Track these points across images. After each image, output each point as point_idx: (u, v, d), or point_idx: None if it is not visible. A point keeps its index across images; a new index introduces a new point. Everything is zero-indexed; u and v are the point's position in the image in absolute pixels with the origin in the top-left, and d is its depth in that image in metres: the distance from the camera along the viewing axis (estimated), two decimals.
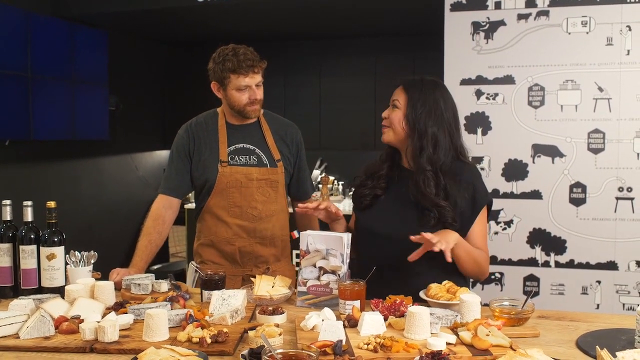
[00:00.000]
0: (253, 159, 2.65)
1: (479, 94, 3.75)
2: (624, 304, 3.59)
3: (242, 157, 2.65)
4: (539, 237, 3.70)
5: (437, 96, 2.25)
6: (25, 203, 2.21)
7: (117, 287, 2.29)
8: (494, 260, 3.66)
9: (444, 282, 2.09)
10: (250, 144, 2.67)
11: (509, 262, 3.74)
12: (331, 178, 6.17)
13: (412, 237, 2.03)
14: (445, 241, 2.00)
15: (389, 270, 2.19)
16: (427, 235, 1.99)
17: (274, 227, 2.69)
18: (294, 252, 5.42)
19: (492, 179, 3.67)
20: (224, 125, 2.69)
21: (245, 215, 2.63)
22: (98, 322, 1.79)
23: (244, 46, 2.59)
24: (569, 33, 3.61)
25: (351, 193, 2.59)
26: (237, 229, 2.63)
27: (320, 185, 5.79)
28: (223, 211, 2.63)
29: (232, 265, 2.66)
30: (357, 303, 1.99)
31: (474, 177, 2.27)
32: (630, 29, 3.51)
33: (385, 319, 1.86)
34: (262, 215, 2.65)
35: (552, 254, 3.69)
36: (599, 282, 3.62)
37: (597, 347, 1.55)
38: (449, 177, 2.19)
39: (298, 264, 2.24)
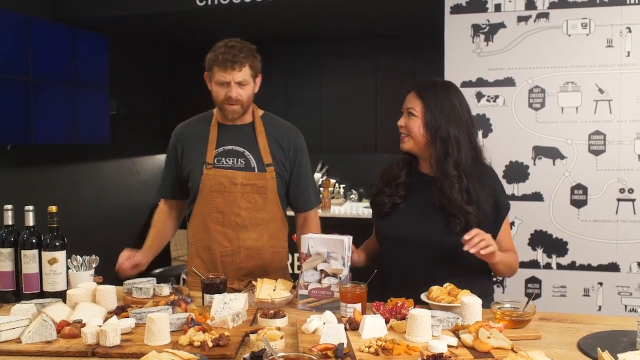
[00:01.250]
0: (240, 162, 2.49)
1: (479, 96, 3.75)
2: (626, 306, 3.59)
3: (229, 160, 2.50)
4: (540, 239, 3.70)
5: (452, 98, 2.23)
6: (26, 208, 2.21)
7: (123, 274, 2.35)
8: None
9: (445, 285, 2.09)
10: (240, 145, 2.51)
11: None
12: (332, 181, 6.17)
13: (465, 238, 2.03)
14: (493, 245, 2.01)
15: (415, 276, 2.17)
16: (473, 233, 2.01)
17: (261, 237, 2.51)
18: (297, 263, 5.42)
19: None
20: (216, 125, 2.56)
21: (228, 222, 2.49)
22: (100, 326, 1.79)
23: (239, 41, 2.47)
24: (569, 35, 3.61)
25: (367, 200, 2.57)
26: (218, 236, 2.49)
27: (321, 188, 5.80)
28: (206, 216, 2.50)
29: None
30: (358, 306, 1.99)
31: (495, 182, 2.26)
32: (630, 31, 3.51)
33: (387, 322, 1.86)
34: (246, 224, 2.49)
35: (554, 256, 3.69)
36: (600, 283, 3.62)
37: (599, 349, 1.55)
38: (471, 179, 2.19)
39: (299, 267, 2.23)
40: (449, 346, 1.68)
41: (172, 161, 2.63)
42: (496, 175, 2.34)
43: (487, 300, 2.10)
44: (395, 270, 2.28)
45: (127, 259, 2.53)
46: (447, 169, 2.18)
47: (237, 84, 2.42)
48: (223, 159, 2.51)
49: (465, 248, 2.02)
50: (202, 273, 2.34)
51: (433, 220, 2.21)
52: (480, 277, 2.27)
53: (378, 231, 2.38)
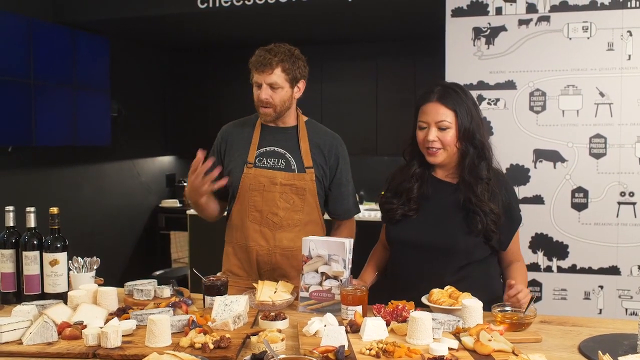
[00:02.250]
0: (281, 163, 2.50)
1: (480, 99, 3.76)
2: (626, 309, 3.59)
3: (270, 160, 2.51)
4: (541, 242, 3.70)
5: (470, 99, 2.21)
6: (28, 209, 2.21)
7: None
8: None
9: (446, 287, 2.10)
10: (281, 147, 2.52)
11: None
12: None
13: (509, 283, 2.08)
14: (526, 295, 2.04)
15: (427, 282, 2.14)
16: (519, 287, 2.04)
17: (297, 238, 2.41)
18: None
19: None
20: (259, 126, 2.56)
21: (265, 221, 2.49)
22: (101, 327, 1.79)
23: (281, 45, 2.50)
24: (570, 38, 3.62)
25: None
26: (255, 234, 2.50)
27: None
28: (244, 215, 2.51)
29: (252, 277, 2.51)
30: (359, 308, 1.99)
31: (508, 192, 2.26)
32: (630, 34, 3.52)
33: (388, 324, 1.87)
34: (284, 224, 2.49)
35: (555, 259, 3.69)
36: (601, 287, 3.62)
37: (600, 352, 1.55)
38: (492, 179, 2.20)
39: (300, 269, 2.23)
40: (449, 349, 1.68)
41: (217, 158, 2.60)
42: (507, 179, 2.33)
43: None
44: (407, 275, 2.26)
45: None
46: (482, 173, 2.17)
47: (269, 86, 2.43)
48: (264, 159, 2.52)
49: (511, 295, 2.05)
50: (238, 278, 2.35)
51: (450, 223, 2.20)
52: (493, 282, 2.29)
53: (390, 236, 2.34)
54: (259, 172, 2.49)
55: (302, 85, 2.55)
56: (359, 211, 2.70)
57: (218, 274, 2.49)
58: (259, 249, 2.51)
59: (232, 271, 2.58)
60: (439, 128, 2.16)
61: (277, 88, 2.45)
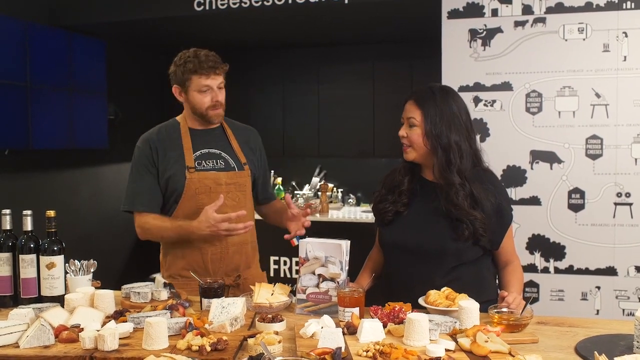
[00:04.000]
0: (220, 163, 2.58)
1: (476, 100, 3.76)
2: (623, 310, 3.59)
3: (209, 162, 2.57)
4: (538, 243, 3.71)
5: (450, 103, 2.21)
6: (24, 212, 2.21)
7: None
8: None
9: (442, 289, 2.10)
10: (215, 148, 2.61)
11: None
12: (330, 185, 6.18)
13: (502, 294, 2.09)
14: (518, 304, 2.04)
15: (420, 283, 2.16)
16: (510, 299, 2.04)
17: (244, 232, 2.52)
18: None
19: None
20: (187, 131, 2.61)
21: None
22: (98, 330, 1.79)
23: (206, 50, 2.58)
24: (566, 40, 3.63)
25: (370, 206, 2.56)
26: (207, 236, 2.48)
27: (319, 193, 5.80)
28: (192, 219, 2.46)
29: (201, 276, 2.42)
30: (356, 310, 1.99)
31: (496, 187, 2.26)
32: (626, 35, 3.53)
33: (385, 326, 1.87)
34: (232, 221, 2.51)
35: (552, 260, 3.70)
36: (598, 287, 3.63)
37: (596, 352, 1.55)
38: (474, 183, 2.19)
39: (297, 271, 2.24)
40: (446, 350, 1.68)
41: (147, 170, 2.57)
42: (497, 179, 2.34)
43: None
44: (400, 277, 2.28)
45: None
46: (451, 177, 2.17)
47: (218, 88, 2.55)
48: (203, 161, 2.58)
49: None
50: (200, 277, 2.34)
51: (438, 227, 2.20)
52: (486, 283, 2.29)
53: (381, 239, 2.37)
54: (202, 175, 2.54)
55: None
56: (275, 197, 2.90)
57: (155, 277, 2.50)
58: (213, 249, 2.56)
59: (181, 274, 2.57)
60: (409, 125, 2.24)
61: (222, 88, 2.57)
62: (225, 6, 4.63)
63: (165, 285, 2.36)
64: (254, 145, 2.73)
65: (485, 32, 3.75)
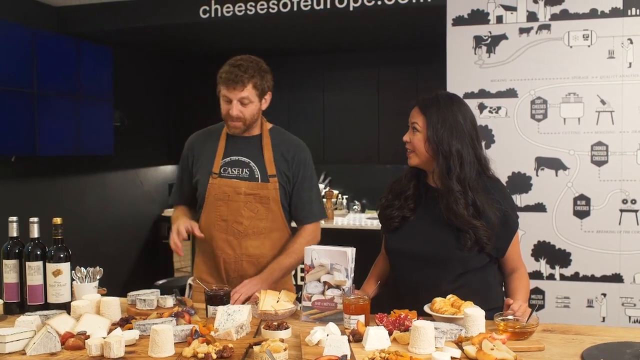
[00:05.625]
0: (245, 172, 2.56)
1: (481, 107, 3.76)
2: (630, 317, 3.58)
3: (235, 170, 2.56)
4: (543, 250, 3.70)
5: (455, 111, 2.21)
6: (31, 219, 2.22)
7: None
8: None
9: (448, 296, 2.10)
10: (245, 156, 2.58)
11: None
12: (335, 192, 6.18)
13: (507, 302, 2.09)
14: (524, 311, 2.04)
15: (427, 290, 2.16)
16: (516, 307, 2.04)
17: (263, 245, 2.56)
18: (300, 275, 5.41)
19: None
20: (224, 137, 2.62)
21: (231, 230, 2.54)
22: (104, 338, 1.80)
23: (247, 59, 2.52)
24: (571, 46, 3.63)
25: (377, 212, 2.54)
26: (222, 243, 2.55)
27: (324, 200, 5.81)
28: (211, 224, 2.56)
29: (218, 283, 2.54)
30: (361, 317, 1.99)
31: (503, 196, 2.26)
32: (631, 42, 3.53)
33: (390, 334, 1.87)
34: (249, 232, 2.54)
35: (557, 267, 3.69)
36: (604, 294, 3.61)
37: None
38: (478, 193, 2.18)
39: (303, 279, 2.24)
40: (452, 358, 1.69)
41: (185, 169, 2.71)
42: (504, 187, 2.34)
43: None
44: (406, 284, 2.28)
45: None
46: (451, 185, 2.17)
47: (239, 102, 2.47)
48: (229, 168, 2.57)
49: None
50: (207, 284, 2.36)
51: (443, 235, 2.20)
52: (492, 290, 2.29)
53: (388, 246, 2.37)
54: (223, 182, 2.55)
55: (268, 97, 2.59)
56: (322, 217, 2.70)
57: (189, 281, 2.53)
58: (225, 256, 2.57)
59: (202, 278, 2.62)
60: (413, 130, 2.25)
61: (247, 103, 2.49)
62: (231, 13, 4.65)
63: (172, 292, 2.37)
64: (292, 158, 2.60)
65: (490, 39, 3.75)
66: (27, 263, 2.20)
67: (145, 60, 6.43)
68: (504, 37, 3.73)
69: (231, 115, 2.48)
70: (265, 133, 2.63)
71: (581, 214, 3.64)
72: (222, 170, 2.56)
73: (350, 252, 2.14)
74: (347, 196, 6.34)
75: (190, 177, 2.67)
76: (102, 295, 2.26)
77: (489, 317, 1.98)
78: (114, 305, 2.13)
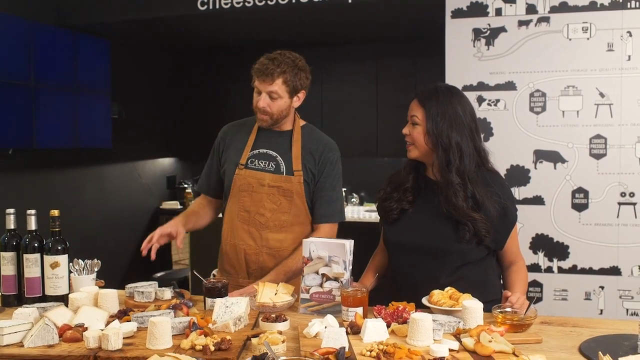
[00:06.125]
0: (271, 165, 2.55)
1: (480, 100, 3.76)
2: (627, 309, 3.59)
3: (261, 162, 2.56)
4: (541, 243, 3.70)
5: (454, 103, 2.21)
6: (28, 212, 2.22)
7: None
8: None
9: (446, 289, 2.10)
10: (274, 150, 2.57)
11: None
12: None
13: (505, 294, 2.10)
14: (522, 304, 2.04)
15: (424, 283, 2.16)
16: (514, 299, 2.05)
17: (285, 239, 2.54)
18: None
19: None
20: (256, 129, 2.62)
21: (253, 221, 2.54)
22: (102, 330, 1.80)
23: (285, 54, 2.51)
24: (570, 39, 3.62)
25: (375, 205, 2.54)
26: (243, 234, 2.55)
27: None
28: (234, 215, 2.57)
29: (241, 275, 2.57)
30: (359, 310, 1.99)
31: (502, 188, 2.25)
32: (630, 35, 3.52)
33: (388, 326, 1.87)
34: (270, 224, 2.53)
35: (555, 260, 3.69)
36: (602, 287, 3.62)
37: (600, 353, 1.55)
38: (477, 186, 2.18)
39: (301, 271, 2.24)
40: (450, 350, 1.69)
41: (215, 158, 2.72)
42: (503, 180, 2.34)
43: None
44: (404, 276, 2.29)
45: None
46: (450, 177, 2.17)
47: (268, 95, 2.47)
48: (256, 160, 2.58)
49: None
50: (228, 276, 2.38)
51: (442, 227, 2.20)
52: (490, 283, 2.29)
53: (386, 238, 2.37)
54: (248, 174, 2.55)
55: (302, 95, 2.57)
56: (339, 219, 2.64)
57: (214, 272, 2.54)
58: (246, 247, 2.56)
59: (224, 269, 2.63)
60: (412, 123, 2.25)
61: (276, 98, 2.48)
62: (229, 5, 4.63)
63: (171, 284, 2.37)
64: (320, 156, 2.57)
65: (489, 32, 3.74)
66: (25, 255, 2.20)
67: (143, 52, 6.41)
68: (503, 29, 3.72)
69: (258, 107, 2.49)
70: (296, 129, 2.62)
71: (579, 207, 3.64)
72: (248, 162, 2.57)
73: (349, 244, 2.14)
74: (345, 189, 6.34)
75: (219, 166, 2.68)
76: (100, 287, 2.26)
77: (487, 309, 1.98)
78: (111, 298, 2.13)
